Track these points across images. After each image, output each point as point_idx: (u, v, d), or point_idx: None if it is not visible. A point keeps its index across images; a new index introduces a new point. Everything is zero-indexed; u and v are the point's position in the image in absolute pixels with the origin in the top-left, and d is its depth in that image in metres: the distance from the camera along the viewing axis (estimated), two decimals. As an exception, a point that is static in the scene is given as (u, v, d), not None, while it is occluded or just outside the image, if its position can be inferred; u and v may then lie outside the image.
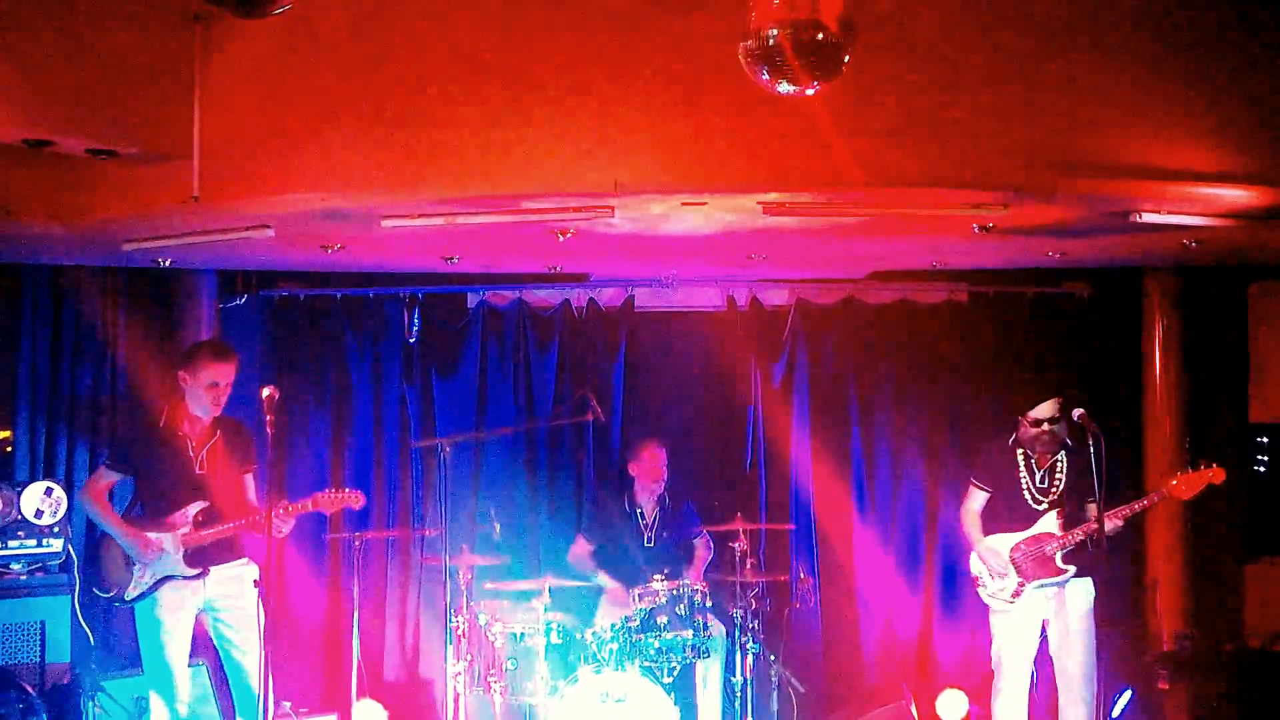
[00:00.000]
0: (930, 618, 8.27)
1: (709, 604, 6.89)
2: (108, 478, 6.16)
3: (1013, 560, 6.54)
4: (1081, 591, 6.49)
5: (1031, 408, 6.50)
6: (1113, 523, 6.30)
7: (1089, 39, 5.52)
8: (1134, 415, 8.18)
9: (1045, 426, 6.47)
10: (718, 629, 7.08)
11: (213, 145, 5.47)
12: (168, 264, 7.09)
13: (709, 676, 7.22)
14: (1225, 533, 8.09)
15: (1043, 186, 5.60)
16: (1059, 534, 6.45)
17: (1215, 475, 6.28)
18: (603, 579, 7.42)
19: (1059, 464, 6.56)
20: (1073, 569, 6.43)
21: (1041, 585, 6.49)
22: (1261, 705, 7.01)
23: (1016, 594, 6.53)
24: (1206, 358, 8.18)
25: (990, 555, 6.60)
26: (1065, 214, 6.12)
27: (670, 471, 7.62)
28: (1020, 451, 6.62)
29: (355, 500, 6.13)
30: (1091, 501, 6.31)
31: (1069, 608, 6.48)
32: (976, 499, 6.77)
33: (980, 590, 6.71)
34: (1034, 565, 6.49)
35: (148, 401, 6.79)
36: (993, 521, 6.69)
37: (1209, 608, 8.04)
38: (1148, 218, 5.84)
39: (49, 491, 6.77)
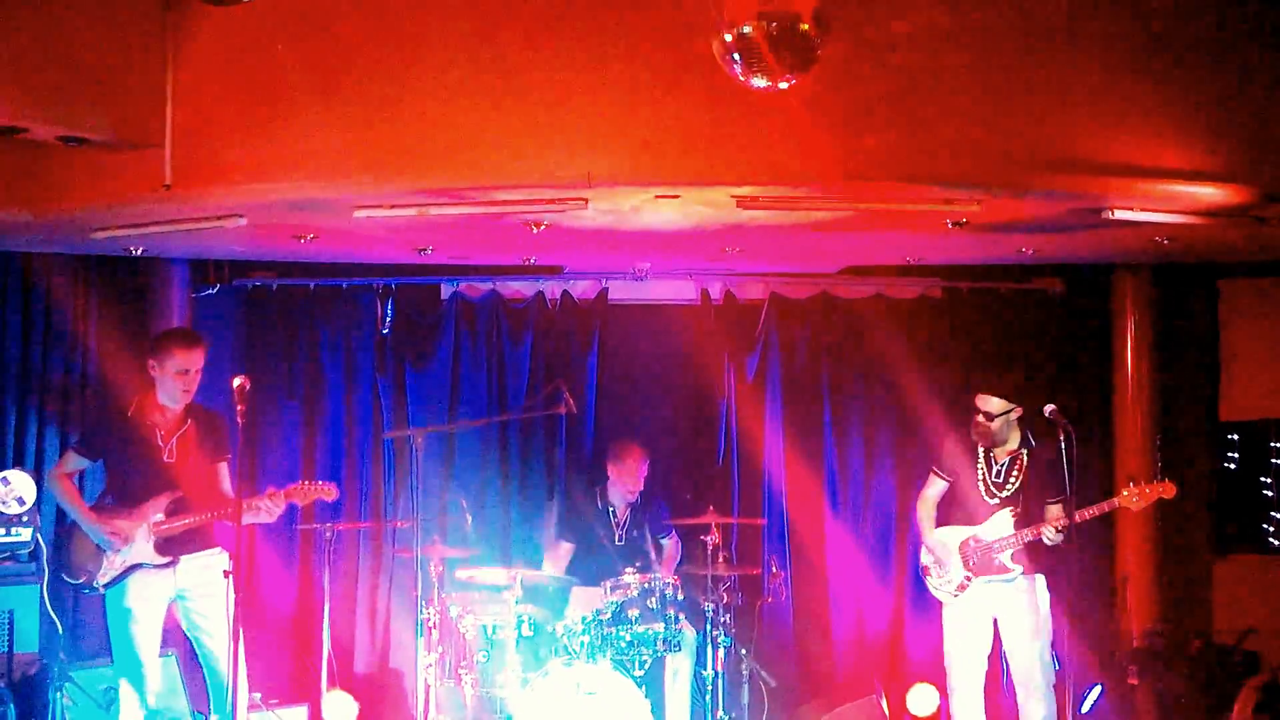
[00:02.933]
0: (901, 612, 8.29)
1: (680, 598, 6.89)
2: (75, 462, 6.14)
3: (961, 554, 6.54)
4: (1032, 589, 6.48)
5: (975, 398, 6.53)
6: (1052, 531, 6.32)
7: (1063, 37, 5.54)
8: (1104, 412, 8.21)
9: (980, 419, 6.47)
10: (688, 627, 7.09)
11: (185, 133, 5.45)
12: (139, 252, 7.05)
13: (680, 670, 7.23)
14: (1195, 530, 8.14)
15: (1016, 183, 5.63)
16: (1010, 533, 6.44)
17: (1165, 490, 6.28)
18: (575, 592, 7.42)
19: (1020, 460, 6.54)
20: (1019, 568, 6.42)
21: (989, 581, 6.49)
22: (1230, 701, 7.05)
23: (962, 587, 6.54)
24: (1177, 355, 8.24)
25: (938, 547, 6.61)
26: (1038, 210, 6.14)
27: (644, 467, 7.63)
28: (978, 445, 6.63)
29: (329, 492, 6.11)
30: (1052, 502, 6.42)
31: (1020, 605, 6.46)
32: (934, 486, 6.78)
33: (927, 580, 6.73)
34: (981, 562, 6.49)
35: (118, 390, 6.75)
36: (947, 515, 6.70)
37: (1179, 604, 8.09)
38: (1120, 214, 5.86)
39: (5, 481, 6.70)
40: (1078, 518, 6.10)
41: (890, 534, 8.34)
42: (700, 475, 8.29)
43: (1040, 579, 6.50)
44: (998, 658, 6.67)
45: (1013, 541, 6.40)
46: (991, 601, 6.53)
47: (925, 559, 6.76)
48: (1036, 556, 6.46)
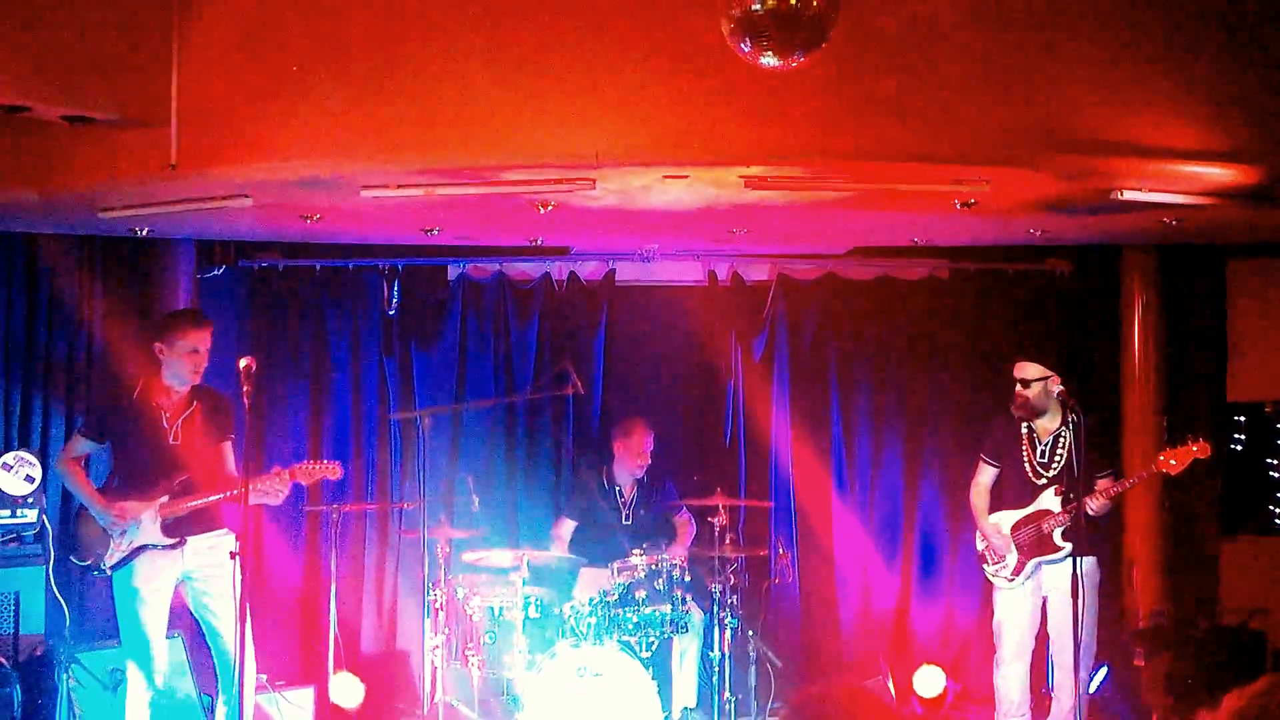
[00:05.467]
0: (908, 593, 8.29)
1: (687, 579, 6.89)
2: (82, 446, 6.16)
3: (1015, 538, 6.57)
4: (1085, 571, 6.36)
5: (1013, 368, 6.56)
6: (1100, 502, 6.36)
7: (1073, 16, 5.50)
8: (1113, 393, 8.20)
9: (1018, 388, 6.50)
10: (695, 609, 7.08)
11: (191, 112, 5.40)
12: (145, 233, 7.03)
13: (687, 651, 7.23)
14: (1202, 511, 8.12)
15: (1025, 163, 5.59)
16: (1057, 511, 6.46)
17: (1201, 449, 6.32)
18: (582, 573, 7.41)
19: (1061, 438, 6.55)
20: (1069, 546, 6.36)
21: (1041, 563, 6.53)
22: (1236, 681, 7.03)
23: (1017, 571, 6.57)
24: (1185, 336, 8.21)
25: (993, 533, 6.64)
26: (1047, 191, 6.11)
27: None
28: (1025, 426, 6.63)
29: (333, 471, 6.10)
30: (1100, 476, 6.48)
31: (1068, 586, 6.29)
32: (985, 474, 6.80)
33: (984, 568, 6.78)
34: (1033, 543, 6.52)
35: (123, 372, 6.74)
36: (997, 498, 6.73)
37: (1186, 585, 8.08)
38: (1129, 195, 5.83)
39: (6, 467, 6.70)
40: (1120, 488, 6.31)
41: (897, 514, 8.35)
42: (707, 456, 8.28)
43: (1091, 560, 6.45)
44: (1044, 636, 6.72)
45: (1062, 518, 6.41)
46: (1044, 582, 6.58)
47: (979, 545, 6.80)
48: (1086, 536, 6.42)
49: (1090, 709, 6.58)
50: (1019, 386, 6.52)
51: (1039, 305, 8.30)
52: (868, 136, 5.38)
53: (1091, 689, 7.25)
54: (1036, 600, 6.63)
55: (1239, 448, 8.22)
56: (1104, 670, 7.40)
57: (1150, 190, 5.84)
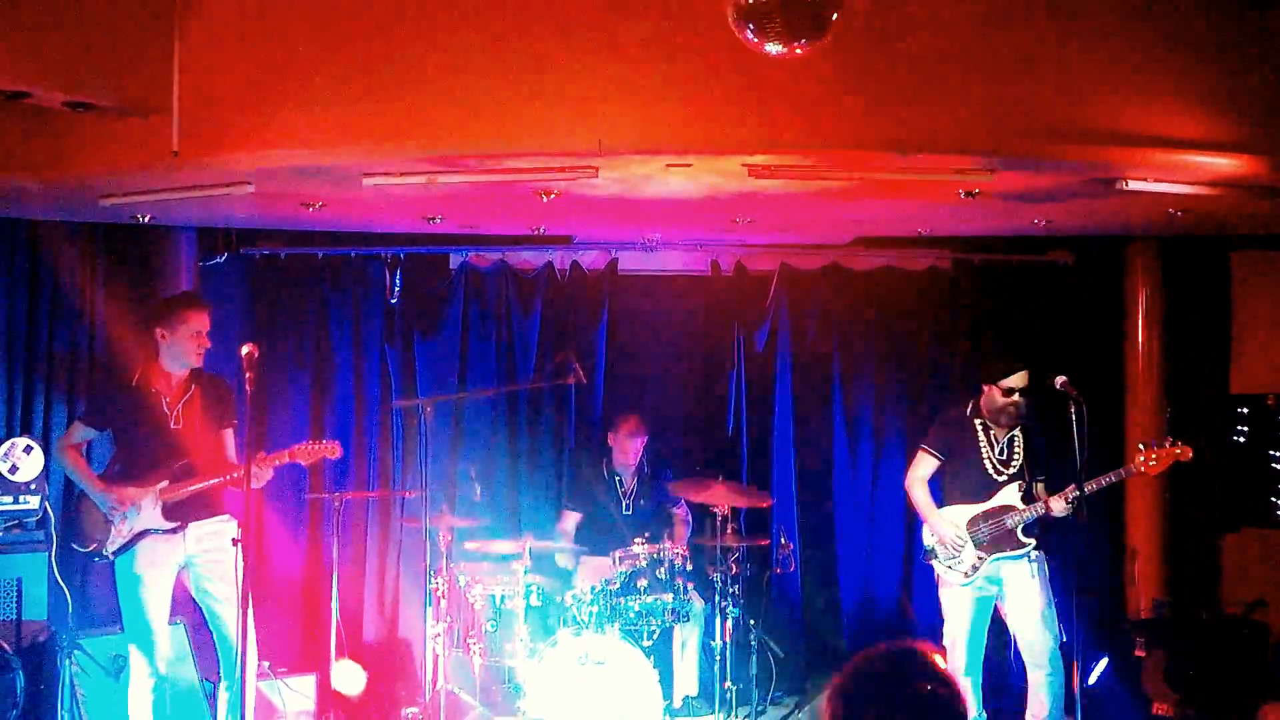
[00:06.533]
0: (909, 584, 8.29)
1: (689, 568, 6.89)
2: (82, 433, 6.17)
3: (970, 533, 6.44)
4: (1035, 563, 6.39)
5: (1003, 376, 6.39)
6: (1061, 505, 6.22)
7: (1077, 5, 5.49)
8: (1115, 385, 8.19)
9: (1015, 397, 6.36)
10: (696, 598, 7.09)
11: (193, 99, 5.40)
12: (147, 220, 7.03)
13: (688, 640, 7.24)
14: (1204, 503, 8.11)
15: (1029, 152, 5.58)
16: (1020, 506, 6.36)
17: (1183, 453, 6.20)
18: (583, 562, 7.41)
19: (1016, 437, 6.47)
20: (1033, 542, 6.33)
21: (999, 559, 6.40)
22: (1236, 673, 7.05)
23: (975, 568, 6.43)
24: (1188, 328, 8.20)
25: (946, 527, 6.49)
26: (1051, 181, 6.10)
27: (651, 437, 7.62)
28: (979, 421, 6.51)
29: (332, 450, 6.09)
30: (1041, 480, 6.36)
31: (1025, 581, 6.36)
32: (925, 465, 6.66)
33: (933, 563, 6.61)
34: (992, 539, 6.40)
35: (123, 358, 6.74)
36: (952, 492, 6.60)
37: (1187, 576, 8.08)
38: (1134, 185, 5.82)
39: (11, 449, 6.69)
40: (1088, 488, 6.06)
41: (899, 505, 8.32)
42: (709, 445, 8.27)
43: (1040, 553, 6.39)
44: (1001, 634, 6.65)
45: (1024, 515, 6.33)
46: (997, 579, 6.45)
47: (929, 540, 6.63)
48: (1045, 531, 6.41)
49: (1090, 700, 6.57)
50: (1013, 395, 6.35)
51: (1042, 296, 8.29)
52: (871, 125, 5.37)
53: (1091, 680, 7.26)
54: (988, 600, 6.48)
55: (1241, 440, 8.20)
56: (1104, 661, 7.40)
57: (1155, 180, 5.82)
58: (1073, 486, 6.14)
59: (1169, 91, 5.59)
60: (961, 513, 6.50)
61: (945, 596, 6.59)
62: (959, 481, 6.57)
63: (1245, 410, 8.18)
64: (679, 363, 8.45)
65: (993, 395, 6.44)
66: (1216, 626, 7.38)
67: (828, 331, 8.39)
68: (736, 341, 8.30)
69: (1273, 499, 8.00)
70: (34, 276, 7.47)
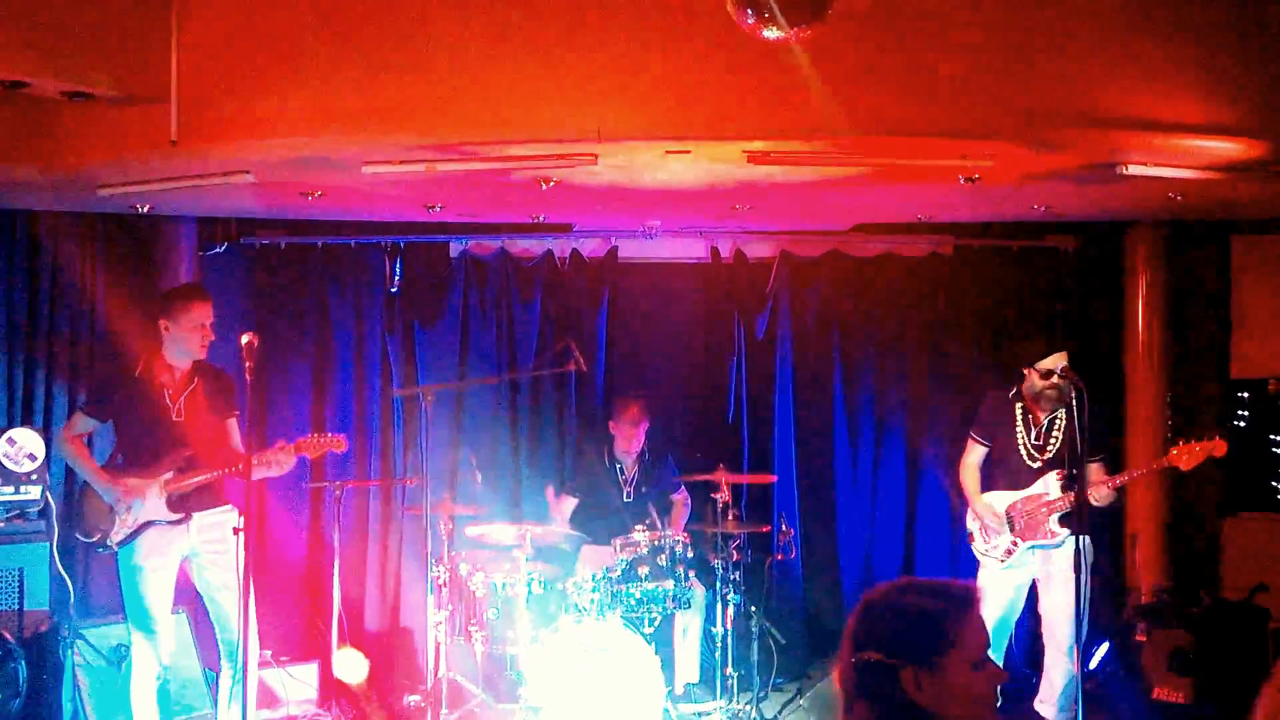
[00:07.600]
0: (910, 569, 8.29)
1: (690, 555, 6.89)
2: (84, 424, 6.16)
3: (1009, 519, 6.45)
4: (1078, 551, 6.34)
5: (1040, 358, 6.32)
6: (1104, 492, 6.20)
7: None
8: (1116, 370, 8.18)
9: (1054, 380, 6.25)
10: (698, 585, 7.09)
11: (191, 88, 5.39)
12: (146, 210, 7.02)
13: (689, 627, 7.24)
14: (1205, 488, 8.10)
15: (1029, 138, 5.57)
16: (1057, 496, 6.32)
17: (1217, 448, 6.04)
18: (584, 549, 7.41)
19: (1057, 421, 6.42)
20: (1066, 532, 6.25)
21: (1034, 547, 6.40)
22: (1237, 658, 7.05)
23: (1009, 552, 6.44)
24: (1189, 313, 8.20)
25: (986, 512, 6.51)
26: (1052, 166, 6.08)
27: (652, 425, 7.61)
28: (1020, 406, 6.50)
29: (339, 444, 6.09)
30: (1092, 459, 6.16)
31: (1063, 569, 6.17)
32: (975, 453, 6.70)
33: (973, 545, 6.65)
34: (1028, 526, 6.39)
35: (125, 349, 6.74)
36: (991, 478, 6.61)
37: (1188, 562, 8.08)
38: (1134, 170, 5.81)
39: (11, 441, 6.68)
40: (1128, 477, 6.11)
41: (900, 491, 8.34)
42: (710, 432, 8.28)
43: (1085, 539, 6.32)
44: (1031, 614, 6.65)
45: (1062, 505, 6.27)
46: (1034, 566, 6.45)
47: (971, 524, 6.67)
48: (1086, 519, 6.34)
49: (1091, 684, 6.57)
50: (1051, 377, 6.24)
51: (1043, 282, 8.29)
52: (871, 111, 5.34)
53: (1093, 665, 7.26)
54: (1023, 585, 6.49)
55: (1242, 425, 8.20)
56: (1106, 646, 7.40)
57: (1156, 165, 5.81)
58: (1114, 478, 6.19)
59: (1169, 75, 5.57)
60: (1000, 499, 6.51)
61: (982, 578, 6.57)
62: (997, 467, 6.60)
63: (1246, 395, 8.18)
64: (679, 350, 8.45)
65: (1032, 379, 6.40)
66: (1217, 611, 7.38)
67: (828, 318, 8.38)
68: (737, 328, 8.30)
69: (1274, 484, 8.00)
70: (34, 266, 7.47)
